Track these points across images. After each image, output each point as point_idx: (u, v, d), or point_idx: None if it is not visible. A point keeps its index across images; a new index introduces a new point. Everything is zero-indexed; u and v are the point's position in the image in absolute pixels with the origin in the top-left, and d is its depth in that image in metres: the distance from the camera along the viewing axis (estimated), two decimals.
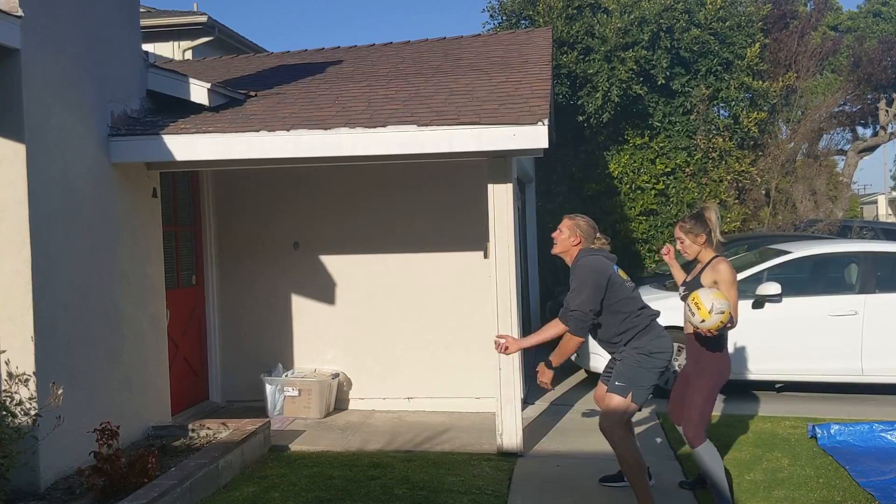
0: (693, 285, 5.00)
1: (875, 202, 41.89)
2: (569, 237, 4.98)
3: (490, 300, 6.37)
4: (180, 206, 7.66)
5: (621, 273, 4.95)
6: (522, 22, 14.35)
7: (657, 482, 5.60)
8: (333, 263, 8.06)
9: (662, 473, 5.79)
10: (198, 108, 6.72)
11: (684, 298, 4.94)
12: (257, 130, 6.16)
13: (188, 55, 14.05)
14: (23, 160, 5.07)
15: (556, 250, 5.05)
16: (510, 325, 6.29)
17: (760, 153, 14.23)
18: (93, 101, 5.91)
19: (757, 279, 8.11)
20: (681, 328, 8.20)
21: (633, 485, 4.85)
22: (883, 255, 8.35)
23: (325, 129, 6.10)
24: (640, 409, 5.26)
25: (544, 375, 4.95)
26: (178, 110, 6.70)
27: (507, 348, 4.96)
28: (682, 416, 5.03)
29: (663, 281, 9.80)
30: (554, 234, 5.06)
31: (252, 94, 7.30)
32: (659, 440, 6.67)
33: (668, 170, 13.37)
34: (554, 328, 4.86)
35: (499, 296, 6.30)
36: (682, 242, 5.09)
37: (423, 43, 10.14)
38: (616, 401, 4.84)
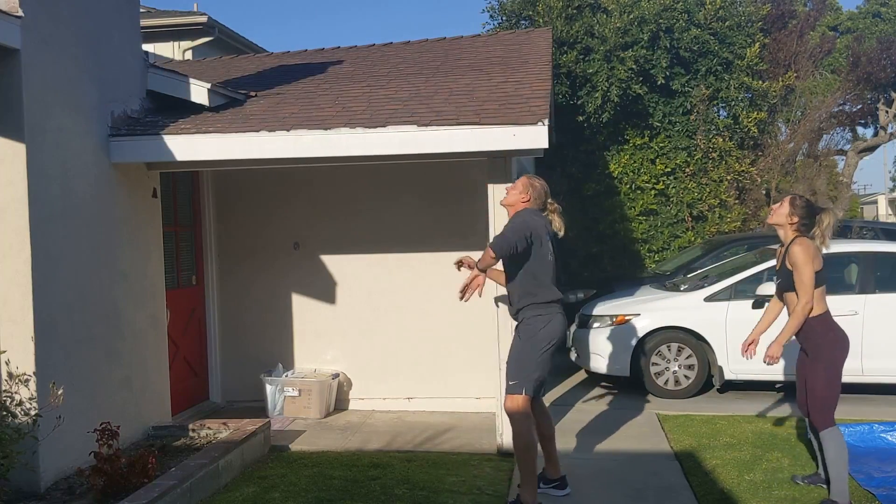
0: (782, 273, 5.14)
1: (875, 202, 41.91)
2: (520, 193, 5.13)
3: (490, 300, 6.37)
4: (180, 206, 7.65)
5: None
6: (522, 22, 14.35)
7: (660, 481, 5.61)
8: (333, 263, 8.06)
9: (662, 473, 5.80)
10: (198, 109, 6.72)
11: (779, 287, 5.18)
12: (257, 130, 6.16)
13: (188, 55, 14.05)
14: (23, 160, 5.07)
15: (504, 202, 5.23)
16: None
17: (760, 153, 14.24)
18: (93, 101, 5.90)
19: (757, 279, 8.11)
20: (681, 328, 8.38)
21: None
22: (883, 255, 8.36)
23: (325, 129, 6.10)
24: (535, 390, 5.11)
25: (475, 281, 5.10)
26: (178, 110, 6.70)
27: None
28: (808, 404, 5.09)
29: (663, 281, 9.80)
30: (507, 187, 5.23)
31: (252, 94, 7.30)
32: (659, 440, 6.67)
33: (668, 170, 13.38)
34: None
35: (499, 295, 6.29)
36: (779, 206, 5.16)
37: (423, 43, 10.13)
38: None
